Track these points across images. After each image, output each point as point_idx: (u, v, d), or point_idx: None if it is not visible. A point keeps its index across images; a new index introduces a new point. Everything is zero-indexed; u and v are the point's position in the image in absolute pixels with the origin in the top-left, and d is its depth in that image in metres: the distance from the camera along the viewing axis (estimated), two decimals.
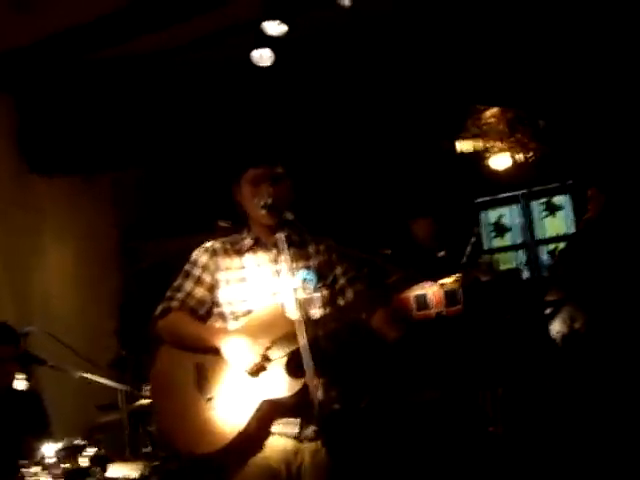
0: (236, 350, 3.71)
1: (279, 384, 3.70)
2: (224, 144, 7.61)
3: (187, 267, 4.02)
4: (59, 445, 4.87)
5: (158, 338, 3.97)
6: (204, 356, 3.82)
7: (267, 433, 3.78)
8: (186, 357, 3.89)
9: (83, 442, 4.98)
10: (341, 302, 3.96)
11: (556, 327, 6.33)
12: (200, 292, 3.95)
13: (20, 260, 6.86)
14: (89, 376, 5.35)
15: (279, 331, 3.73)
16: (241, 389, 3.74)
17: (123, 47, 6.86)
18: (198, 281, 3.96)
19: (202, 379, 3.81)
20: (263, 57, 6.49)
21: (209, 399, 3.77)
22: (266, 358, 3.71)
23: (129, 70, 7.14)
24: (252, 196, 3.92)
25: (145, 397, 5.65)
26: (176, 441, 3.98)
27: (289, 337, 3.67)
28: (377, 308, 3.74)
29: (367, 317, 3.76)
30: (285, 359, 3.70)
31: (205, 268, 3.97)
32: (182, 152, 8.00)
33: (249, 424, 3.70)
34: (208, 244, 4.05)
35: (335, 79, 8.43)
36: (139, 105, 7.31)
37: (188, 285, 3.97)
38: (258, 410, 3.71)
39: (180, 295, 3.96)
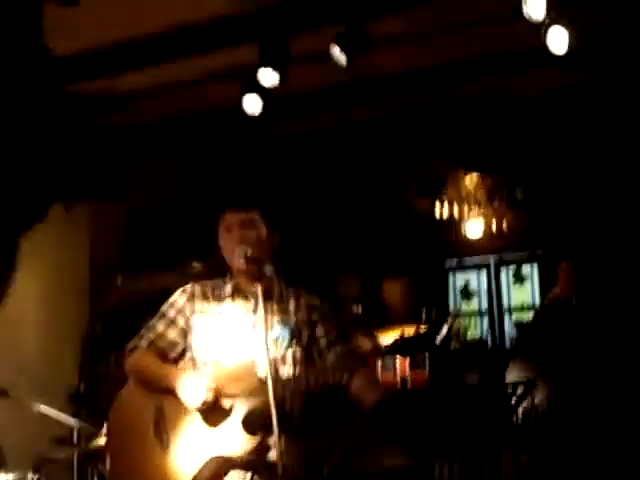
0: (188, 389, 3.69)
1: (233, 440, 3.66)
2: (202, 188, 7.65)
3: (164, 307, 3.97)
4: (10, 477, 4.78)
5: (119, 373, 3.93)
6: (165, 400, 3.77)
7: None
8: (147, 399, 3.83)
9: (34, 476, 4.87)
10: (320, 364, 3.91)
11: None
12: (172, 334, 3.90)
13: None
14: (46, 410, 5.26)
15: (245, 386, 3.69)
16: (197, 439, 3.70)
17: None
18: (171, 323, 3.91)
19: (160, 424, 3.75)
20: (253, 105, 6.48)
21: (165, 446, 3.71)
22: (217, 400, 3.68)
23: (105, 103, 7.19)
24: (226, 242, 3.90)
25: (100, 436, 5.57)
26: None
27: (254, 393, 3.66)
28: (356, 371, 3.72)
29: (348, 380, 3.75)
30: (243, 415, 3.67)
31: (180, 311, 3.92)
32: (160, 192, 8.01)
33: (197, 477, 3.66)
34: (188, 286, 4.00)
35: (316, 136, 8.50)
36: (117, 137, 7.31)
37: (160, 326, 3.91)
38: (207, 464, 3.67)
39: (151, 335, 3.90)
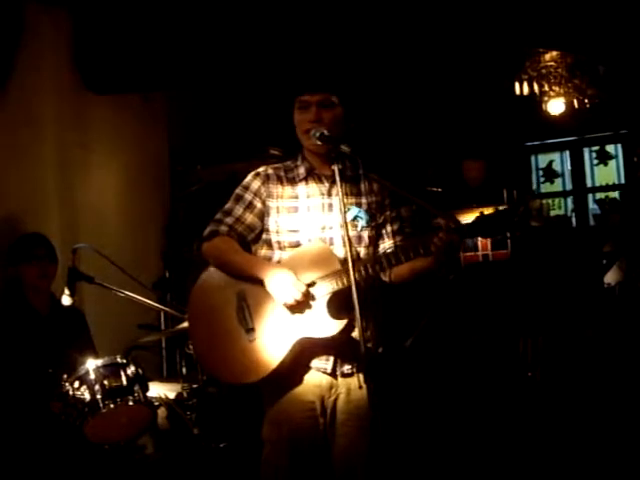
0: (279, 285, 3.69)
1: (320, 322, 3.68)
2: (279, 71, 7.55)
3: (239, 191, 3.97)
4: (100, 362, 4.90)
5: (203, 259, 3.95)
6: (246, 285, 3.80)
7: (304, 368, 3.80)
8: (228, 284, 3.86)
9: (124, 360, 4.98)
10: (381, 246, 3.95)
11: (613, 276, 6.25)
12: (250, 218, 3.91)
13: (70, 176, 6.84)
14: (133, 296, 5.35)
15: (325, 268, 3.71)
16: (282, 322, 3.72)
17: None
18: (249, 206, 3.91)
19: (243, 308, 3.78)
20: None
21: (249, 329, 3.75)
22: (309, 296, 3.69)
23: None
24: (300, 121, 3.86)
25: (186, 320, 5.67)
26: (212, 368, 3.99)
27: (334, 275, 3.67)
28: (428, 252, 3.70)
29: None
30: (327, 297, 3.69)
31: (257, 193, 3.92)
32: (239, 77, 7.93)
33: (286, 359, 3.71)
34: (261, 169, 3.99)
35: (396, 15, 8.32)
36: (199, 25, 7.22)
37: (238, 209, 3.92)
38: (296, 346, 3.71)
39: (229, 219, 3.91)
